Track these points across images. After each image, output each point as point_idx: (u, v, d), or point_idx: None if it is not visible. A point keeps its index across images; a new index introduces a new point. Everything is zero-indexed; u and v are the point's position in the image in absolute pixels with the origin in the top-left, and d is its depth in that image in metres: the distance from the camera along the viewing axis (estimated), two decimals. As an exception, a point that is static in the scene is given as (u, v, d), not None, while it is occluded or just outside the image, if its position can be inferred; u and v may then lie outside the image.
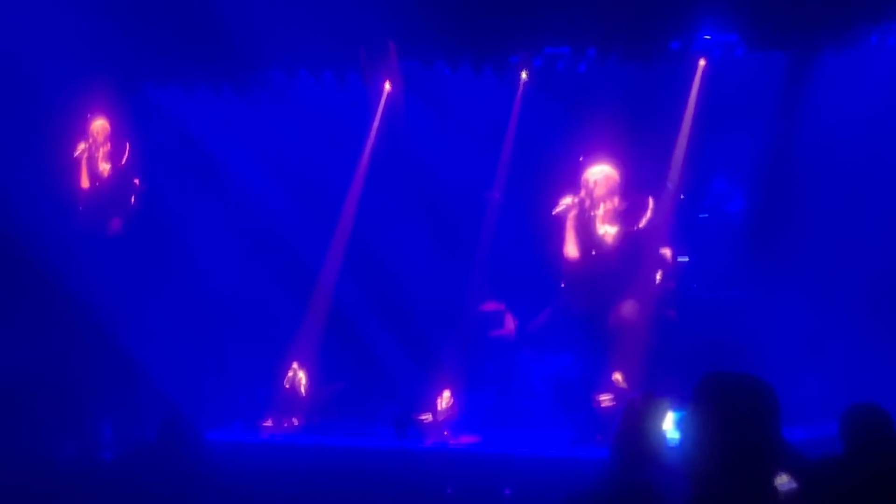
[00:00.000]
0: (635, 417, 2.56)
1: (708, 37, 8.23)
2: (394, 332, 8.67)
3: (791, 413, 2.66)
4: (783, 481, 3.42)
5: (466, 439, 7.91)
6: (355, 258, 9.23)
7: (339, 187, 9.31)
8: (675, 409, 2.70)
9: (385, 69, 8.97)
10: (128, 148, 9.05)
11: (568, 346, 8.28)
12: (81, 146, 8.99)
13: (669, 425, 2.61)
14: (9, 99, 8.11)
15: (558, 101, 8.90)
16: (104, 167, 9.04)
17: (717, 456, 2.41)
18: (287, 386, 8.57)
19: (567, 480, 5.54)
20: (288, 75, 9.09)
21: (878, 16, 7.69)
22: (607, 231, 7.63)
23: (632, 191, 7.75)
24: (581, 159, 7.84)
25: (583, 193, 7.66)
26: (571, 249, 7.68)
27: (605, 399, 7.40)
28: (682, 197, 8.49)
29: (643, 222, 7.65)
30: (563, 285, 7.90)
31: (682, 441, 2.49)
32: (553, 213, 7.71)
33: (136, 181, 9.02)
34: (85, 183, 8.99)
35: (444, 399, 8.05)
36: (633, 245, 7.64)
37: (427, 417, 7.95)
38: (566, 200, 7.67)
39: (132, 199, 9.00)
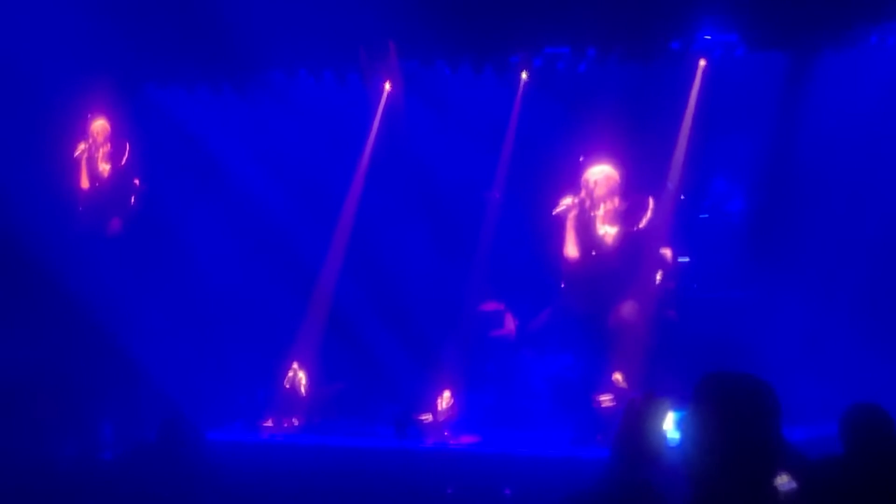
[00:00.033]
0: (636, 417, 2.56)
1: (708, 37, 8.23)
2: (394, 332, 8.67)
3: (791, 413, 2.66)
4: (783, 481, 3.42)
5: (467, 439, 7.91)
6: (355, 258, 9.23)
7: (339, 187, 9.31)
8: (675, 409, 2.70)
9: (385, 69, 8.97)
10: (128, 148, 9.05)
11: (568, 346, 8.28)
12: (81, 146, 8.99)
13: (670, 425, 2.61)
14: (9, 99, 8.11)
15: (558, 102, 8.90)
16: (104, 167, 9.04)
17: (717, 456, 2.41)
18: (287, 386, 8.57)
19: (567, 480, 5.53)
20: (288, 75, 9.09)
21: (878, 16, 7.69)
22: (607, 231, 7.63)
23: (632, 191, 7.74)
24: (581, 159, 7.84)
25: (583, 193, 7.66)
26: (571, 249, 7.68)
27: (606, 399, 7.40)
28: (682, 197, 8.49)
29: (643, 222, 7.65)
30: (563, 285, 7.90)
31: (682, 441, 2.49)
32: (553, 213, 7.71)
33: (136, 181, 9.02)
34: (85, 183, 8.99)
35: (445, 399, 8.05)
36: (634, 245, 7.64)
37: (427, 417, 7.95)
38: (566, 200, 7.67)
39: (132, 200, 8.99)
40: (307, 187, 9.34)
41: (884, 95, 8.00)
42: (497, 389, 8.63)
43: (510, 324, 8.88)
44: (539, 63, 8.74)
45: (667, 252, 8.03)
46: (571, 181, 7.78)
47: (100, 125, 9.05)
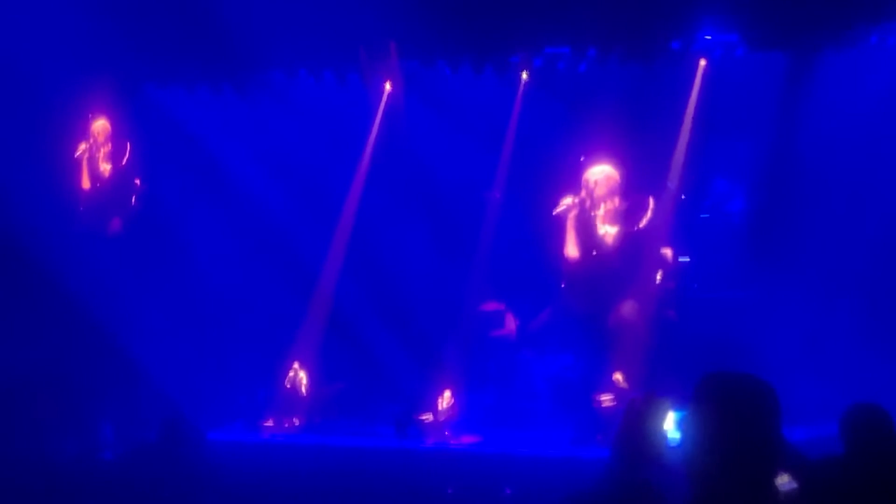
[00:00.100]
0: (636, 417, 2.56)
1: (708, 37, 8.23)
2: (394, 332, 8.67)
3: (791, 413, 2.66)
4: (783, 481, 3.42)
5: (467, 439, 7.91)
6: (356, 258, 9.23)
7: (339, 187, 9.31)
8: (675, 409, 2.70)
9: (385, 69, 8.97)
10: (128, 148, 9.05)
11: (568, 346, 8.29)
12: (82, 146, 8.99)
13: (670, 425, 2.61)
14: (9, 99, 8.10)
15: (559, 102, 8.90)
16: (105, 167, 9.04)
17: (717, 456, 2.41)
18: (288, 386, 8.57)
19: (567, 480, 5.54)
20: (288, 75, 9.08)
21: (878, 16, 7.69)
22: (608, 231, 7.63)
23: (632, 191, 7.75)
24: (582, 159, 7.84)
25: (583, 193, 7.66)
26: (572, 250, 7.68)
27: (606, 399, 7.40)
28: (682, 197, 8.49)
29: (644, 222, 7.65)
30: (563, 285, 7.90)
31: (682, 441, 2.49)
32: (553, 213, 7.71)
33: (137, 181, 9.03)
34: (86, 183, 9.00)
35: (445, 399, 8.05)
36: (634, 245, 7.64)
37: (428, 417, 7.95)
38: (567, 200, 7.67)
39: (133, 200, 9.00)
40: (307, 187, 9.33)
41: (884, 95, 8.00)
42: (497, 389, 8.63)
43: (511, 324, 8.89)
44: (539, 63, 8.73)
45: (667, 252, 8.03)
46: (572, 181, 7.79)
47: (100, 125, 9.05)
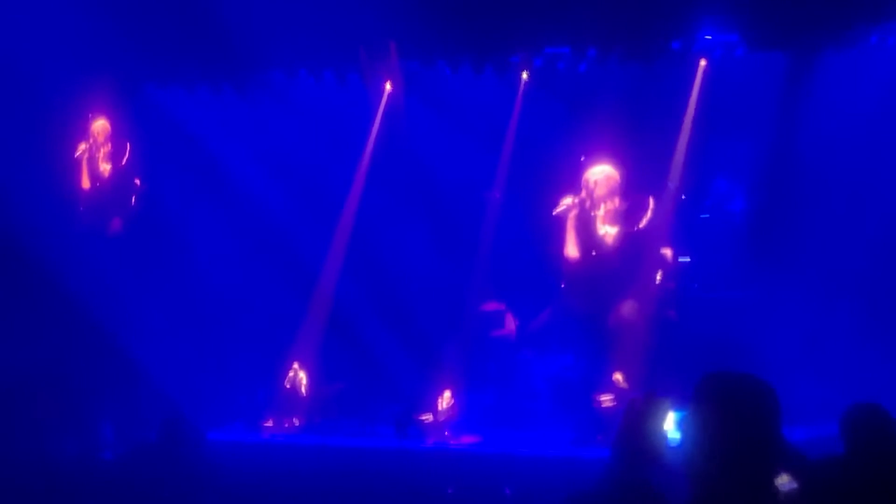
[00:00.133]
0: (636, 417, 2.56)
1: (709, 37, 8.23)
2: (394, 332, 8.68)
3: (791, 413, 2.66)
4: (784, 481, 3.42)
5: (467, 439, 7.91)
6: (356, 258, 9.23)
7: (339, 187, 9.31)
8: (675, 410, 2.70)
9: (386, 69, 8.97)
10: (128, 148, 9.05)
11: (568, 346, 8.28)
12: (82, 146, 9.00)
13: (670, 425, 2.61)
14: (9, 99, 8.10)
15: (559, 102, 8.90)
16: (105, 167, 9.05)
17: (717, 456, 2.41)
18: (288, 386, 8.57)
19: (568, 480, 5.55)
20: (288, 75, 9.08)
21: (878, 16, 7.69)
22: (608, 231, 7.63)
23: (632, 191, 7.75)
24: (582, 159, 7.85)
25: (583, 194, 7.67)
26: (572, 250, 7.68)
27: (606, 399, 7.40)
28: (682, 197, 8.49)
29: (644, 222, 7.66)
30: (563, 285, 7.91)
31: (682, 441, 2.49)
32: (554, 213, 7.72)
33: (137, 181, 9.03)
34: (85, 183, 9.00)
35: (445, 399, 8.05)
36: (634, 245, 7.64)
37: (428, 417, 7.95)
38: (567, 201, 7.68)
39: (133, 200, 9.00)
40: (307, 187, 9.33)
41: (884, 95, 8.00)
42: (497, 389, 8.62)
43: (511, 324, 8.89)
44: (539, 63, 8.73)
45: (667, 252, 8.03)
46: (572, 181, 7.79)
47: (100, 125, 9.05)
